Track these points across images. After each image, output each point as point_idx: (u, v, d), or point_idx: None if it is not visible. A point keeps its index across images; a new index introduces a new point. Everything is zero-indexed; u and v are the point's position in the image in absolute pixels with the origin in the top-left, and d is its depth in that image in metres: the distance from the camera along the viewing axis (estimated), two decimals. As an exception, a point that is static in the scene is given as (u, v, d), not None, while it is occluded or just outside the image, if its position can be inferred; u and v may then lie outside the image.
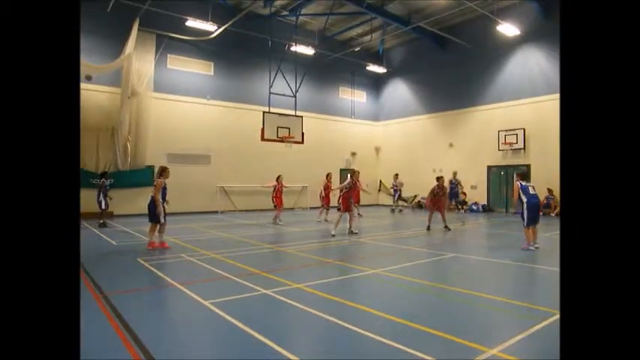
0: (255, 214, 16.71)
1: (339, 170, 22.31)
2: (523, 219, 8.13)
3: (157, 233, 8.32)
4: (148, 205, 8.22)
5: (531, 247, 8.06)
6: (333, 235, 10.03)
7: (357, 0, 16.33)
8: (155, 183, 8.20)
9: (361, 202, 20.19)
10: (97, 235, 10.43)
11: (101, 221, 12.30)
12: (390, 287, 5.51)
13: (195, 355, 3.35)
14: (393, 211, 18.80)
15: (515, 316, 4.26)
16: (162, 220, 8.19)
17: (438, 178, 11.80)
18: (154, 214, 8.14)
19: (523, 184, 8.26)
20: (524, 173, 8.66)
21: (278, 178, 13.22)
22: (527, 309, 4.38)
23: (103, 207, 12.45)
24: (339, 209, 10.64)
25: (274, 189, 13.16)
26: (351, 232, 10.46)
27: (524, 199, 8.09)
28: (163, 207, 8.19)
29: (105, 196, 12.49)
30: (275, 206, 13.35)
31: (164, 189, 8.19)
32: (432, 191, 11.72)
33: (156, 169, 15.76)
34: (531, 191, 8.15)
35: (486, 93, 18.89)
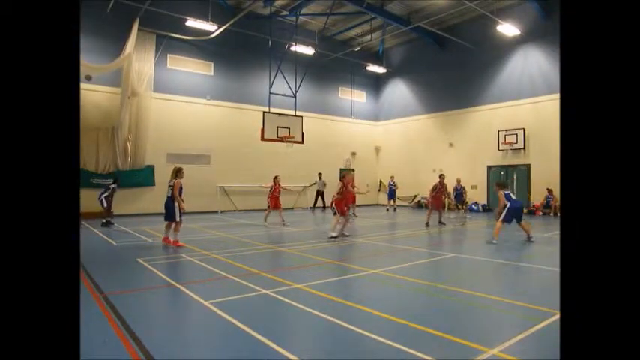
0: (255, 214, 16.70)
1: (340, 170, 22.32)
2: (501, 215, 9.23)
3: (172, 231, 8.58)
4: (166, 204, 8.51)
5: (494, 242, 8.98)
6: (334, 237, 9.78)
7: (357, 0, 16.33)
8: (172, 183, 8.44)
9: (362, 203, 20.31)
10: (97, 235, 10.42)
11: (104, 220, 12.29)
12: (390, 287, 5.51)
13: (195, 355, 3.35)
14: (388, 210, 18.87)
15: (515, 316, 4.26)
16: (177, 219, 8.41)
17: (441, 176, 12.08)
18: (171, 213, 8.41)
19: (506, 192, 9.40)
20: (503, 183, 10.21)
21: (275, 179, 13.16)
22: (527, 309, 4.38)
23: (105, 206, 12.48)
24: (334, 213, 10.41)
25: (271, 189, 13.13)
26: (342, 235, 10.17)
27: (508, 205, 9.24)
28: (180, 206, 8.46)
29: (109, 198, 12.54)
30: (268, 206, 13.22)
31: (180, 188, 8.48)
32: (434, 188, 11.88)
33: (156, 169, 16.03)
34: (513, 197, 9.46)
35: (486, 93, 18.90)
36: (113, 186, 12.76)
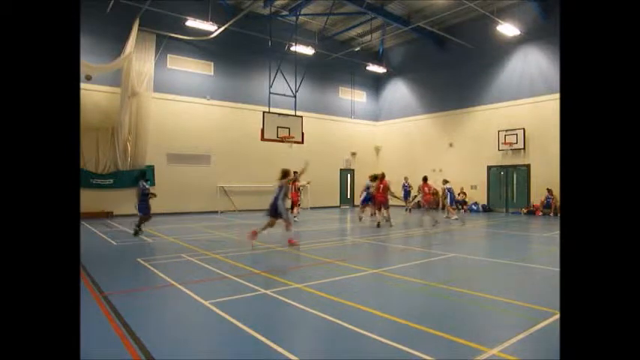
0: (255, 214, 16.69)
1: (339, 170, 22.36)
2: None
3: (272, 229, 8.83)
4: (271, 204, 8.59)
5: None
6: (391, 226, 12.25)
7: (357, 0, 16.33)
8: (282, 184, 8.53)
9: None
10: (98, 235, 10.42)
11: (136, 228, 10.02)
12: (390, 287, 5.51)
13: (195, 355, 3.34)
14: (407, 210, 18.66)
15: (515, 316, 4.26)
16: (284, 216, 8.56)
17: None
18: (275, 212, 8.54)
19: (368, 182, 13.20)
20: (374, 175, 13.26)
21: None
22: (527, 309, 4.38)
23: (144, 213, 10.11)
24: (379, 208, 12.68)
25: (296, 188, 14.22)
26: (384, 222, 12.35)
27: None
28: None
29: (146, 200, 10.08)
30: (296, 204, 14.52)
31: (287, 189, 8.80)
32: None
33: (156, 169, 16.03)
34: (370, 190, 13.09)
35: (486, 93, 18.90)
36: (145, 187, 10.13)
